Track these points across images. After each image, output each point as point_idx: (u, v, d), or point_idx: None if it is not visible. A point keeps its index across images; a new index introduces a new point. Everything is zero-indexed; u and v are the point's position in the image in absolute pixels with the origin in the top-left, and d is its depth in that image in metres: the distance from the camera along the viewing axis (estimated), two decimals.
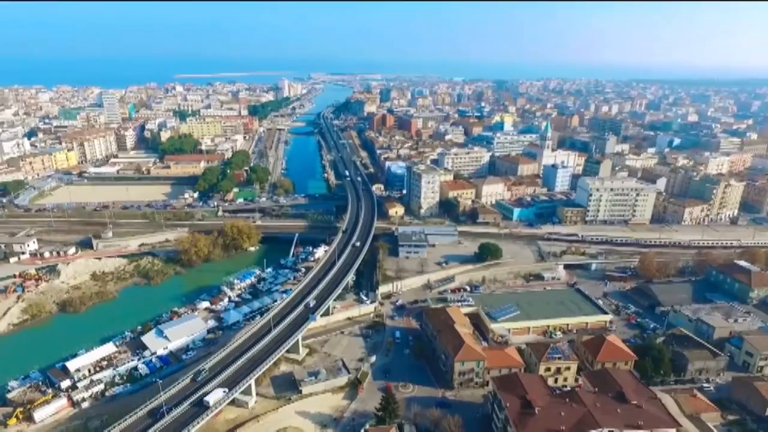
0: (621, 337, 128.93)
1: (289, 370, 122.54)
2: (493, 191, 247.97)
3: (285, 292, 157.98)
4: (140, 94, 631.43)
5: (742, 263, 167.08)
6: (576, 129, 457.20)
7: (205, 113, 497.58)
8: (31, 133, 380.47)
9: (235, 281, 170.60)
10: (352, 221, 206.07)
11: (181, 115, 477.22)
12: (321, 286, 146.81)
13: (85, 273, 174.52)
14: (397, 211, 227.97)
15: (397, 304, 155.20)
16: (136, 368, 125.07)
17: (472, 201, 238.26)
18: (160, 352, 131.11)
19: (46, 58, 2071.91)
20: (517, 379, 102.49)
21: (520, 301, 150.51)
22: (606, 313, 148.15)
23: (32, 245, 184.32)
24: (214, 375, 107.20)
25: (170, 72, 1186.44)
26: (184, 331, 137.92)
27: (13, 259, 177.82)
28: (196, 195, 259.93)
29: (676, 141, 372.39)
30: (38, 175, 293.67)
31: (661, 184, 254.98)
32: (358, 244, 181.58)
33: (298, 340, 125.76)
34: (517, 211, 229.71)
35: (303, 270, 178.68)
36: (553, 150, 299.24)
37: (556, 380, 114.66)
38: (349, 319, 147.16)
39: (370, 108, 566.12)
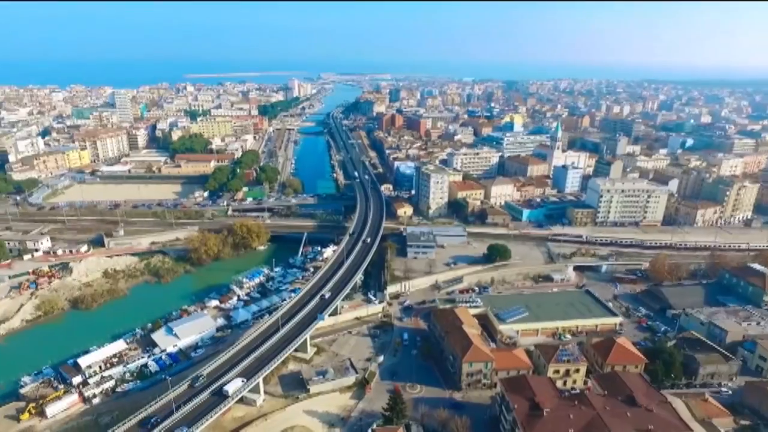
0: (631, 340, 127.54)
1: (297, 369, 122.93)
2: (503, 192, 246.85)
3: (293, 291, 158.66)
4: (152, 94, 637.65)
5: (756, 266, 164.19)
6: (587, 130, 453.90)
7: (215, 113, 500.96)
8: (45, 132, 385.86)
9: (244, 280, 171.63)
10: (361, 221, 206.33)
11: (192, 115, 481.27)
12: (329, 286, 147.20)
13: (96, 271, 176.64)
14: (405, 211, 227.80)
15: (405, 304, 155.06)
16: (146, 365, 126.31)
17: (481, 202, 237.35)
18: (170, 349, 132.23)
19: (60, 59, 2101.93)
20: (525, 381, 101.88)
21: (529, 303, 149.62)
22: (616, 315, 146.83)
23: (45, 243, 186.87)
24: (222, 373, 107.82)
25: (181, 72, 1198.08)
26: (194, 329, 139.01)
27: (27, 257, 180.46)
28: (206, 194, 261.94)
29: (689, 142, 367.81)
30: (51, 173, 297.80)
31: (673, 185, 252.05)
32: (368, 240, 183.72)
33: (306, 339, 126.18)
34: (526, 212, 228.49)
35: (311, 269, 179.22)
36: (563, 151, 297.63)
37: (564, 383, 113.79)
38: (357, 318, 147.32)
39: (379, 108, 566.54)
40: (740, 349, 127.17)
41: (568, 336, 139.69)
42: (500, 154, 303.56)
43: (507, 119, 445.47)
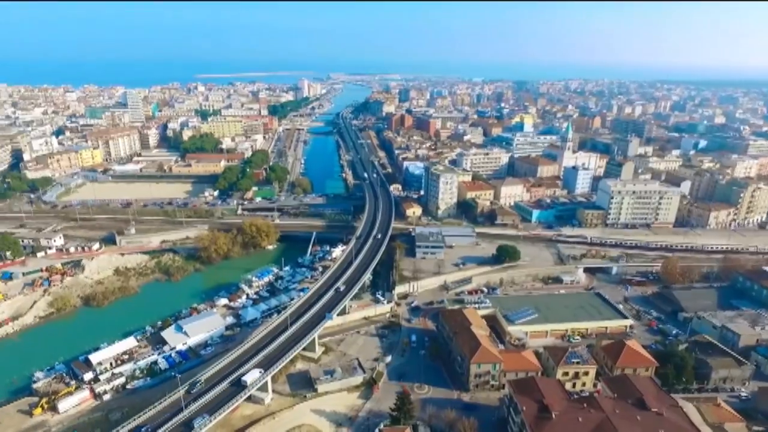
0: (642, 343, 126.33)
1: (305, 368, 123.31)
2: (512, 193, 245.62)
3: (302, 290, 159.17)
4: (163, 94, 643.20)
5: None
6: (598, 130, 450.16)
7: (225, 113, 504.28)
8: (58, 132, 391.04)
9: (254, 279, 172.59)
10: (369, 221, 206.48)
11: (203, 115, 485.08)
12: (337, 285, 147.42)
13: (108, 268, 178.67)
14: (414, 211, 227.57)
15: (412, 305, 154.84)
16: (155, 362, 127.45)
17: (491, 202, 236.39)
18: (180, 347, 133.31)
19: (74, 58, 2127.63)
20: (534, 383, 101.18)
21: (538, 304, 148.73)
22: (626, 317, 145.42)
23: (58, 240, 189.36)
24: (231, 371, 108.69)
25: (192, 72, 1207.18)
26: (203, 327, 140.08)
27: (40, 254, 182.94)
28: (216, 193, 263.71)
29: (702, 143, 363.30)
30: (65, 172, 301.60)
31: (686, 187, 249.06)
32: (379, 236, 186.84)
33: (314, 339, 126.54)
34: (536, 212, 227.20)
35: (320, 269, 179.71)
36: (573, 151, 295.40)
37: (574, 385, 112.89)
38: (365, 318, 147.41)
39: (388, 108, 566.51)
40: (753, 353, 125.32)
41: (578, 338, 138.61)
42: (510, 154, 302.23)
43: (517, 119, 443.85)
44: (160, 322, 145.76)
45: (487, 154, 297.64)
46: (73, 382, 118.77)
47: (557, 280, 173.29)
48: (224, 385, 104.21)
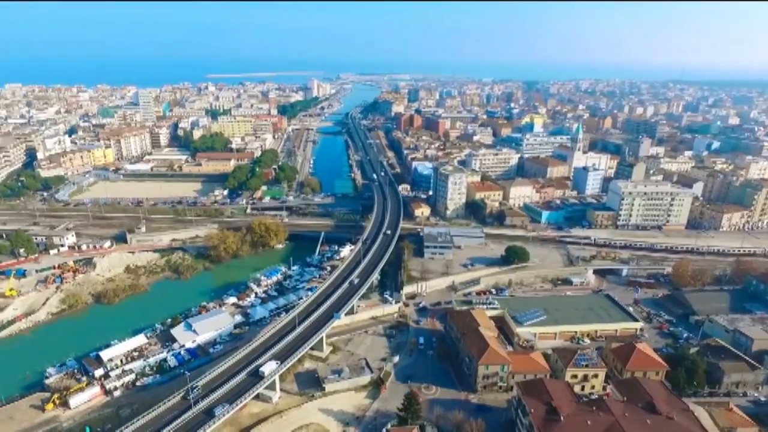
0: (652, 346, 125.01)
1: (313, 367, 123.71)
2: (522, 193, 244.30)
3: (310, 289, 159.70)
4: (174, 94, 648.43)
5: None
6: (609, 131, 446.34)
7: (235, 112, 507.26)
8: (71, 131, 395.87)
9: (262, 278, 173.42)
10: (378, 221, 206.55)
11: (213, 114, 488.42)
12: (345, 285, 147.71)
13: (119, 266, 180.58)
14: (423, 211, 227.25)
15: (420, 305, 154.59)
16: (165, 360, 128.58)
17: (500, 203, 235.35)
18: (189, 345, 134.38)
19: (87, 58, 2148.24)
20: (542, 385, 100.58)
21: (547, 306, 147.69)
22: (636, 320, 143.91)
23: (71, 238, 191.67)
24: (247, 363, 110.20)
25: (203, 72, 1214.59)
26: (212, 325, 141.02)
27: (53, 251, 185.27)
28: (225, 192, 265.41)
29: (715, 144, 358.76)
30: (77, 171, 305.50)
31: (698, 188, 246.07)
32: (389, 232, 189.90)
33: (322, 338, 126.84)
34: (545, 213, 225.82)
35: (328, 268, 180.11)
36: (584, 152, 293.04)
37: (582, 388, 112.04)
38: (373, 318, 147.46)
39: (397, 108, 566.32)
40: (767, 358, 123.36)
41: (587, 340, 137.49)
42: (520, 155, 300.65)
43: (527, 120, 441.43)
44: (169, 320, 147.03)
45: (497, 154, 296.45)
46: (84, 378, 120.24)
47: (566, 281, 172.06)
48: (242, 375, 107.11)
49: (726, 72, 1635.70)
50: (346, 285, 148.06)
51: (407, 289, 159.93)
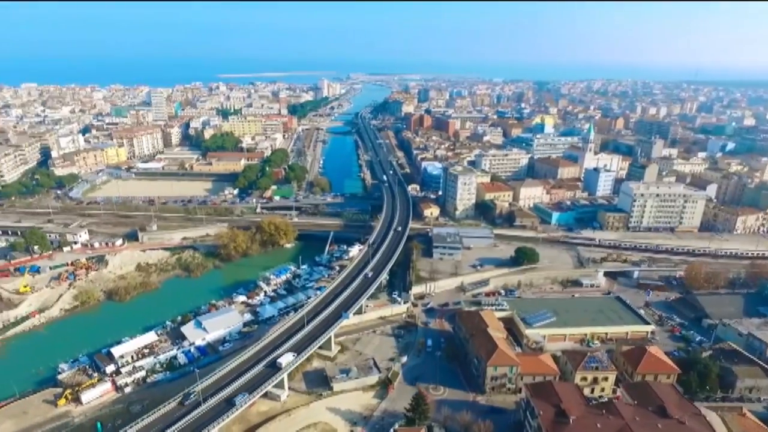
0: (664, 349, 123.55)
1: (321, 366, 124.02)
2: (532, 194, 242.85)
3: (319, 289, 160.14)
4: (186, 93, 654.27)
5: None
6: (620, 132, 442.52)
7: (246, 112, 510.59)
8: (85, 130, 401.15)
9: (271, 277, 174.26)
10: (387, 222, 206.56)
11: (224, 114, 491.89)
12: (354, 285, 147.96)
13: (130, 264, 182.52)
14: (432, 212, 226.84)
15: (428, 306, 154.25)
16: (175, 357, 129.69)
17: (510, 204, 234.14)
18: (199, 342, 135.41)
19: (87, 58, 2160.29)
20: (551, 387, 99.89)
21: (557, 308, 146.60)
22: (648, 323, 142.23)
23: (84, 236, 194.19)
24: (250, 366, 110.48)
25: (214, 72, 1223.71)
26: (222, 323, 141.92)
27: (66, 249, 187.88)
28: (236, 192, 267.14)
29: (730, 145, 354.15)
30: (90, 169, 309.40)
31: (712, 190, 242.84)
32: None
33: (330, 337, 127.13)
34: (556, 215, 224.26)
35: (337, 268, 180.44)
36: (595, 153, 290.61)
37: (592, 390, 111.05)
38: (381, 318, 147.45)
39: (407, 108, 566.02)
40: None
41: (597, 343, 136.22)
42: (530, 155, 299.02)
43: (537, 120, 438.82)
44: (179, 318, 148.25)
45: (507, 155, 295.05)
46: (95, 375, 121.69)
47: (576, 283, 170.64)
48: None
49: (742, 72, 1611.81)
50: (354, 285, 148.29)
51: (416, 290, 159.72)
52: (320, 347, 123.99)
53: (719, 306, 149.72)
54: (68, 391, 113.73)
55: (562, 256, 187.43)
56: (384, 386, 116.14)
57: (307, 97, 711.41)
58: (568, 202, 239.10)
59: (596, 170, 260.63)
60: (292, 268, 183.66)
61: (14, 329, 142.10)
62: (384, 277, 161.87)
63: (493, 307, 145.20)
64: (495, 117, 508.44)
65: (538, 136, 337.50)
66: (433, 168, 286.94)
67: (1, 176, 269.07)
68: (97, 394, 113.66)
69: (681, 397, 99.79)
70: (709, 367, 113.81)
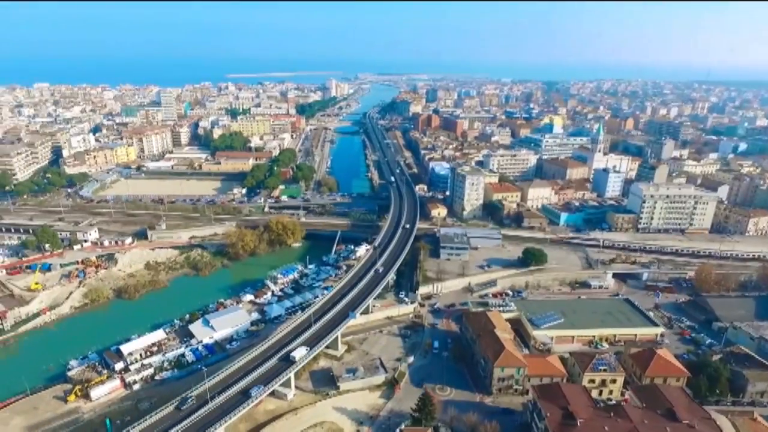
0: (673, 352, 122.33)
1: (328, 365, 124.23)
2: (540, 195, 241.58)
3: (326, 288, 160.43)
4: (195, 93, 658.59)
5: None
6: (630, 132, 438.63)
7: (255, 112, 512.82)
8: (95, 129, 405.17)
9: (279, 276, 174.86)
10: (395, 222, 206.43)
11: (233, 113, 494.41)
12: (361, 285, 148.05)
13: (139, 262, 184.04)
14: (439, 212, 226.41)
15: (434, 307, 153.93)
16: (183, 355, 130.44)
17: (518, 204, 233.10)
18: (206, 341, 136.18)
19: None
20: (558, 389, 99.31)
21: (565, 309, 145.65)
22: (657, 325, 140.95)
23: (94, 234, 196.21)
24: (259, 364, 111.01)
25: (224, 72, 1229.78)
26: (229, 322, 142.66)
27: (76, 247, 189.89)
28: (244, 191, 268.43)
29: (742, 146, 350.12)
30: (101, 168, 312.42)
31: (723, 192, 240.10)
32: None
33: (337, 337, 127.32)
34: (564, 215, 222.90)
35: (344, 267, 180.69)
36: (604, 154, 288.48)
37: (600, 393, 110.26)
38: (388, 318, 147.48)
39: (415, 108, 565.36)
40: None
41: (605, 345, 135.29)
42: (538, 156, 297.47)
43: (546, 121, 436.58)
44: (188, 316, 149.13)
45: (515, 155, 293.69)
46: (104, 371, 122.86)
47: (585, 284, 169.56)
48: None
49: (754, 72, 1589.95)
50: (361, 284, 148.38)
51: (423, 290, 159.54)
52: (327, 347, 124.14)
53: (730, 309, 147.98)
54: (78, 387, 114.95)
55: (571, 257, 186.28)
56: (390, 386, 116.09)
57: (316, 97, 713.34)
58: (577, 203, 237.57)
59: (605, 171, 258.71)
60: (300, 267, 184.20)
61: (25, 326, 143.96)
62: (392, 276, 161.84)
63: (501, 308, 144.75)
64: (503, 117, 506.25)
65: (546, 136, 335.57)
66: (441, 168, 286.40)
67: (14, 175, 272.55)
68: (106, 391, 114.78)
69: (691, 401, 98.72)
70: (720, 370, 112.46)
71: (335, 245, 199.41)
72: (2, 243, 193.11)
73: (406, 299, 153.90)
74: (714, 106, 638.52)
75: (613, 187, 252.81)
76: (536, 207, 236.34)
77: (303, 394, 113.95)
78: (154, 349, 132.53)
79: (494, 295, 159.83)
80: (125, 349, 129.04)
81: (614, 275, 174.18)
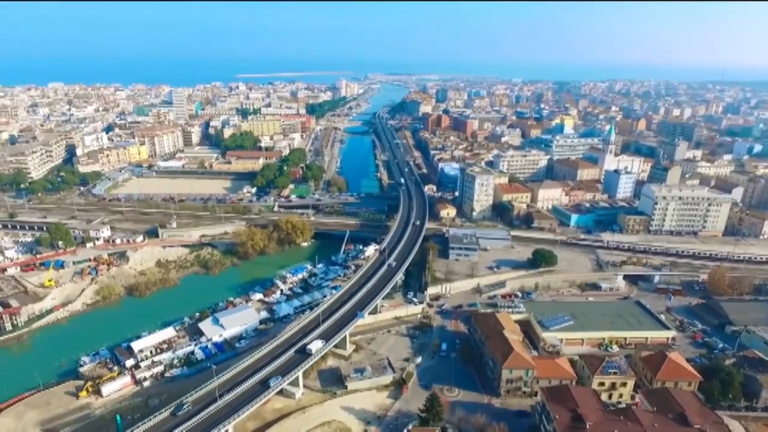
0: (685, 356, 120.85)
1: (336, 365, 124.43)
2: (550, 196, 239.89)
3: (335, 288, 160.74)
4: (206, 93, 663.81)
5: None
6: (642, 133, 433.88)
7: (265, 111, 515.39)
8: (108, 128, 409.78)
9: (288, 275, 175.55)
10: (403, 222, 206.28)
11: (243, 113, 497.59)
12: (369, 285, 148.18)
13: (150, 260, 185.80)
14: (448, 212, 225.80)
15: (442, 308, 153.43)
16: (192, 353, 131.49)
17: (528, 205, 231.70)
18: (216, 339, 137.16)
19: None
20: (567, 392, 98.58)
21: (575, 311, 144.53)
22: (668, 328, 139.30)
23: (106, 232, 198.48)
24: (276, 357, 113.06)
25: (234, 72, 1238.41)
26: (238, 320, 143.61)
27: (89, 244, 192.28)
28: (254, 190, 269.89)
29: (757, 148, 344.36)
30: (113, 167, 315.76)
31: (738, 193, 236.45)
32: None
33: (345, 336, 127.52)
34: (574, 217, 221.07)
35: (353, 267, 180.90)
36: (616, 155, 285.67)
37: (610, 396, 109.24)
38: (396, 318, 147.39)
39: (425, 108, 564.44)
40: None
41: (616, 348, 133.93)
42: (549, 156, 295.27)
43: (557, 121, 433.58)
44: (197, 314, 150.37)
45: (525, 155, 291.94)
46: (115, 368, 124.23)
47: (595, 286, 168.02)
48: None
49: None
50: (370, 284, 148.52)
51: (431, 290, 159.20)
52: (335, 346, 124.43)
53: (744, 312, 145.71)
54: (89, 383, 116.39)
55: (581, 259, 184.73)
56: (398, 386, 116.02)
57: (325, 97, 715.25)
58: (588, 205, 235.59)
59: (617, 172, 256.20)
60: (309, 266, 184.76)
61: (39, 322, 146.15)
62: (400, 276, 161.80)
63: (510, 310, 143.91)
64: (514, 118, 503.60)
65: (557, 137, 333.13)
66: (450, 168, 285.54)
67: (29, 173, 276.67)
68: (116, 387, 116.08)
69: (702, 406, 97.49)
70: (733, 375, 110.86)
71: (344, 245, 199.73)
72: (17, 240, 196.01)
73: (415, 299, 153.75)
74: (729, 106, 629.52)
75: (625, 189, 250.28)
76: (546, 208, 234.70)
77: (311, 393, 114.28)
78: (164, 346, 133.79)
79: (503, 297, 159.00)
80: (136, 346, 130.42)
81: (625, 277, 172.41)
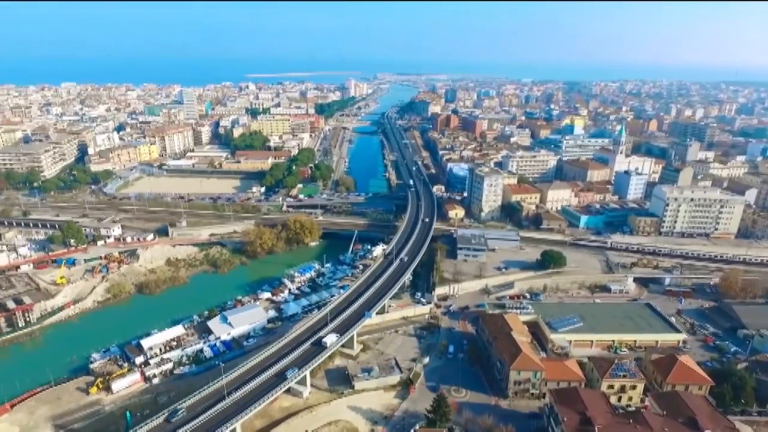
0: (696, 359, 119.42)
1: (343, 364, 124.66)
2: (560, 197, 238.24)
3: (342, 287, 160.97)
4: (216, 93, 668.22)
5: None
6: (654, 134, 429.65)
7: (274, 111, 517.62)
8: (119, 128, 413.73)
9: (296, 274, 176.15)
10: (411, 222, 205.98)
11: (253, 113, 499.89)
12: (377, 284, 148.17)
13: (160, 258, 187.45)
14: (457, 213, 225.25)
15: (451, 308, 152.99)
16: (201, 351, 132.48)
17: (537, 206, 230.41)
18: (224, 337, 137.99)
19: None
20: (576, 394, 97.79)
21: (584, 313, 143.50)
22: (679, 331, 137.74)
23: (116, 230, 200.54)
24: (274, 361, 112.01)
25: (244, 72, 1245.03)
26: (247, 319, 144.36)
27: (100, 242, 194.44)
28: (263, 190, 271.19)
29: None
30: (124, 166, 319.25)
31: (751, 195, 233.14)
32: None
33: (353, 336, 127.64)
34: (584, 218, 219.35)
35: (361, 267, 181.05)
36: (626, 155, 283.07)
37: (619, 399, 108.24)
38: (404, 318, 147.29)
39: (434, 108, 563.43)
40: None
41: (625, 350, 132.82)
42: (558, 157, 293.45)
43: (567, 121, 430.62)
44: (206, 312, 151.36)
45: (535, 156, 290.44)
46: (125, 365, 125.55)
47: (605, 288, 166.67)
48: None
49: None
50: (378, 284, 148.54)
51: (439, 291, 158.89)
52: (343, 345, 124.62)
53: (757, 316, 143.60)
54: (99, 379, 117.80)
55: (590, 260, 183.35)
56: (405, 386, 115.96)
57: (334, 96, 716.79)
58: (598, 206, 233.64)
59: (627, 173, 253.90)
60: (317, 266, 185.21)
61: (50, 319, 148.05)
62: (408, 276, 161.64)
63: (518, 311, 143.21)
64: (523, 118, 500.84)
65: (567, 137, 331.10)
66: (459, 169, 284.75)
67: (42, 172, 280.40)
68: (126, 384, 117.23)
69: (713, 410, 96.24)
70: (745, 379, 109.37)
71: (352, 245, 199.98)
72: (30, 238, 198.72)
73: (423, 300, 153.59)
74: (742, 107, 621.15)
75: (635, 190, 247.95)
76: (556, 209, 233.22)
77: (318, 392, 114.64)
78: (174, 344, 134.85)
79: (511, 298, 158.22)
80: (145, 343, 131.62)
81: (635, 279, 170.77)
